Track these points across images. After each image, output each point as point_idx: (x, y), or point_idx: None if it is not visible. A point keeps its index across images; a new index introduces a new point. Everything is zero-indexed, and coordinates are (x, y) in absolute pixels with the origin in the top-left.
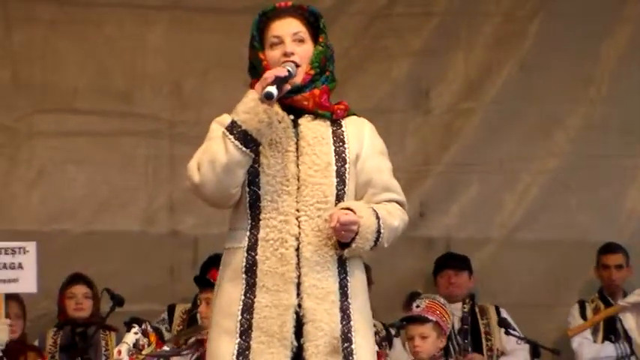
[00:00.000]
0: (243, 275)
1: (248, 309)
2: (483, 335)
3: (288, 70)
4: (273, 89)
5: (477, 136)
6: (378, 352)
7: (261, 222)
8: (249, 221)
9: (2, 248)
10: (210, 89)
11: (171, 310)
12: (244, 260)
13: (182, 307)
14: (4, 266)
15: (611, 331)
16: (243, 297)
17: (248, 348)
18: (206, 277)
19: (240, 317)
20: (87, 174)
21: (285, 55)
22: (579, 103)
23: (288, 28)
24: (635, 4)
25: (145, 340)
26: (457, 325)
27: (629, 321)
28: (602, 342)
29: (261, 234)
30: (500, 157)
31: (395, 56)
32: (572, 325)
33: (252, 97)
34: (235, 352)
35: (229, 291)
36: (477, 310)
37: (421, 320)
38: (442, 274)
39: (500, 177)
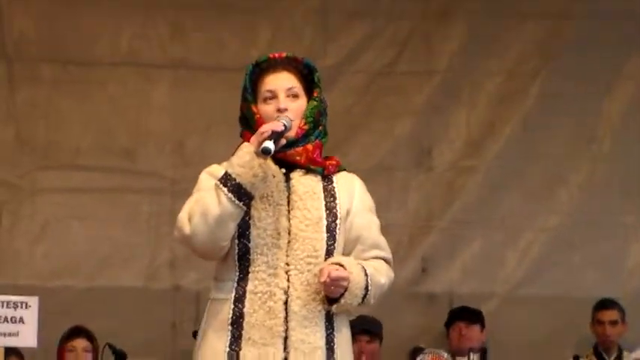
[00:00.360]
0: (229, 327)
1: None
2: None
3: (284, 125)
4: (270, 144)
5: (479, 194)
6: None
7: (249, 274)
8: (237, 273)
9: (4, 302)
10: (212, 146)
11: None
12: (231, 312)
13: None
14: (6, 320)
15: None
16: (227, 349)
17: None
18: None
19: None
20: (89, 230)
21: (279, 110)
22: (581, 160)
23: (282, 82)
24: (637, 61)
25: None
26: None
27: None
28: None
29: (250, 286)
30: (502, 214)
31: (397, 114)
32: None
33: (247, 150)
34: None
35: (213, 343)
36: None
37: None
38: (454, 327)
39: (502, 234)
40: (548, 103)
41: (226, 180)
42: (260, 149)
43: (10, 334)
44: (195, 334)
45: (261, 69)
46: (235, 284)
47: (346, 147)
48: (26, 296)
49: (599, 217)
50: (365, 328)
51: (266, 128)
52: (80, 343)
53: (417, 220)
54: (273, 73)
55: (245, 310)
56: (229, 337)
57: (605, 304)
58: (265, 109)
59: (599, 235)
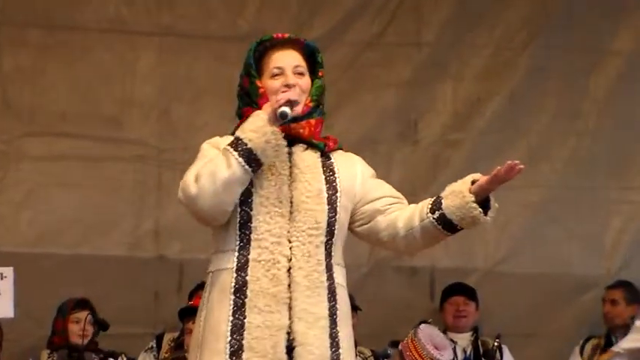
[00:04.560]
0: (232, 296)
1: (238, 330)
2: None
3: (296, 98)
4: (288, 110)
5: (464, 167)
6: None
7: (252, 242)
8: (238, 242)
9: None
10: (199, 116)
11: (159, 339)
12: (233, 281)
13: (170, 336)
14: None
15: None
16: (231, 317)
17: None
18: (191, 306)
19: (229, 338)
20: (74, 197)
21: (287, 86)
22: (566, 135)
23: (289, 59)
24: (624, 38)
25: None
26: (461, 356)
27: None
28: None
29: (253, 254)
30: None
31: (384, 86)
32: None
33: (261, 117)
34: None
35: (216, 312)
36: (479, 343)
37: None
38: (450, 301)
39: None
40: (535, 78)
41: (237, 144)
42: (278, 113)
43: None
44: (181, 313)
45: (265, 47)
46: (237, 253)
47: (332, 119)
48: (1, 267)
49: (583, 193)
50: None
51: (282, 97)
52: (83, 315)
53: (402, 194)
54: (280, 50)
55: (248, 277)
56: (232, 306)
57: (613, 284)
58: (272, 83)
59: (582, 210)
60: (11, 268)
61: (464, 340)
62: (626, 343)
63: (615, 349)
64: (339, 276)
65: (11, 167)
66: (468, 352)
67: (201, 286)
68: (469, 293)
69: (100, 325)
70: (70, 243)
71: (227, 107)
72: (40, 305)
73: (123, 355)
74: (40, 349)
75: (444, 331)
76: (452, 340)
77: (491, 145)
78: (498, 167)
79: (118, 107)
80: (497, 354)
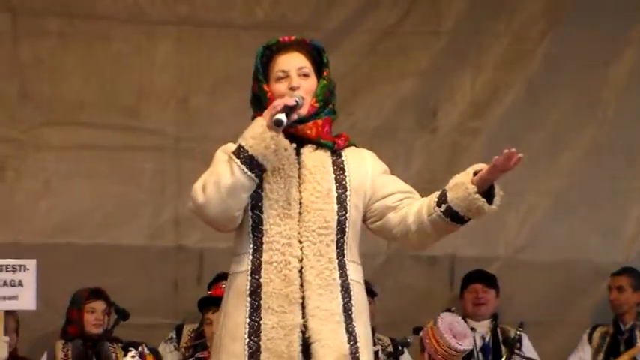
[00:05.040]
0: (248, 298)
1: (255, 331)
2: (504, 355)
3: (296, 100)
4: (282, 117)
5: (482, 156)
6: None
7: (264, 245)
8: (252, 245)
9: (3, 265)
10: (217, 105)
11: (179, 329)
12: (248, 283)
13: (190, 327)
14: (5, 283)
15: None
16: (248, 319)
17: None
18: (210, 296)
19: (247, 340)
20: (93, 187)
21: (292, 88)
22: (585, 125)
23: (294, 62)
24: None
25: None
26: (479, 343)
27: None
28: None
29: (265, 257)
30: (505, 178)
31: (403, 75)
32: (579, 347)
33: (259, 123)
34: None
35: (234, 315)
36: (498, 330)
37: None
38: (470, 289)
39: (504, 197)
40: (553, 67)
41: (239, 152)
42: (272, 121)
43: (9, 298)
44: (200, 303)
45: (271, 51)
46: (250, 256)
47: (350, 107)
48: (24, 259)
49: (602, 182)
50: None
51: (278, 102)
52: (100, 305)
53: (420, 182)
54: (284, 53)
55: (262, 280)
56: (248, 308)
57: (618, 270)
58: (278, 87)
59: (602, 199)
60: (34, 261)
61: (483, 327)
62: None
63: None
64: (354, 273)
65: (30, 157)
66: (487, 340)
67: (221, 277)
68: (488, 280)
69: (121, 314)
70: (88, 233)
71: (245, 96)
72: (60, 296)
73: (144, 345)
74: (56, 340)
75: (464, 319)
76: (471, 328)
77: (509, 134)
78: (496, 157)
79: (136, 97)
80: (517, 343)
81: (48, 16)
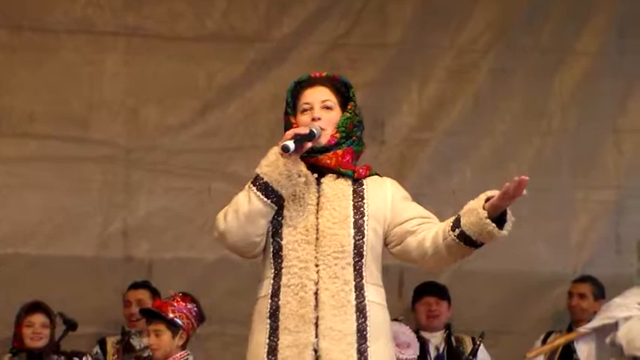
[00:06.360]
0: (268, 320)
1: (272, 351)
2: None
3: (311, 130)
4: (290, 143)
5: (430, 167)
6: None
7: (283, 270)
8: (273, 270)
9: None
10: (166, 116)
11: (102, 343)
12: (268, 306)
13: (112, 339)
14: None
15: None
16: (268, 340)
17: None
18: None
19: (265, 359)
20: (42, 198)
21: (313, 119)
22: (531, 136)
23: (317, 95)
24: (588, 38)
25: None
26: (433, 354)
27: (582, 352)
28: None
29: (283, 280)
30: (452, 188)
31: None
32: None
33: (273, 151)
34: None
35: (256, 336)
36: (452, 339)
37: None
38: (422, 302)
39: (452, 207)
40: (499, 79)
41: (255, 180)
42: (280, 147)
43: None
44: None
45: (301, 86)
46: (272, 281)
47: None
48: None
49: (548, 193)
50: None
51: (290, 132)
52: (38, 319)
53: None
54: (310, 87)
55: (280, 302)
56: (268, 330)
57: (580, 278)
58: (302, 119)
59: (548, 209)
60: None
61: (437, 338)
62: (592, 322)
63: (582, 329)
64: (372, 294)
65: None
66: (441, 350)
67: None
68: (440, 292)
69: (69, 324)
70: (38, 243)
71: (193, 107)
72: (6, 306)
73: (87, 355)
74: (3, 353)
75: (417, 330)
76: (425, 339)
77: (457, 146)
78: (507, 184)
79: (85, 108)
80: (470, 343)
81: None
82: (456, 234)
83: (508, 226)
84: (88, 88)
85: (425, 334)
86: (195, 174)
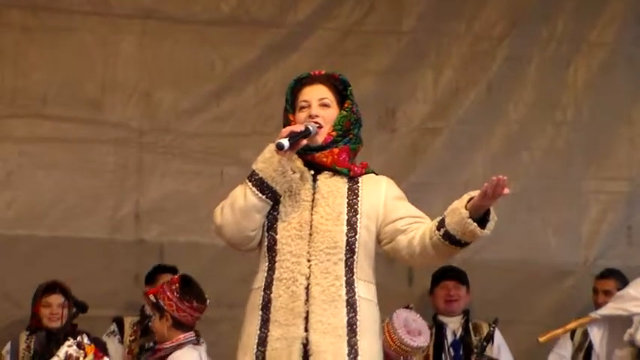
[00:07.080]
0: (260, 312)
1: (262, 342)
2: (475, 351)
3: (306, 127)
4: (284, 141)
5: (442, 156)
6: None
7: (276, 263)
8: (267, 264)
9: None
10: (180, 99)
11: (119, 322)
12: (261, 298)
13: (130, 319)
14: None
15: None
16: (258, 331)
17: None
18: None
19: (255, 350)
20: (55, 180)
21: (310, 117)
22: (545, 126)
23: (315, 93)
24: (604, 28)
25: (81, 352)
26: (450, 339)
27: (595, 336)
28: None
29: (276, 274)
30: (465, 178)
31: (363, 74)
32: (561, 343)
33: (269, 149)
34: None
35: (247, 327)
36: (470, 326)
37: None
38: (441, 286)
39: None
40: (514, 68)
41: (251, 176)
42: (275, 144)
43: None
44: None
45: (301, 84)
46: (265, 273)
47: None
48: None
49: (561, 183)
50: None
51: (286, 129)
52: (55, 299)
53: None
54: (309, 85)
55: (272, 295)
56: (259, 321)
57: (603, 273)
58: (300, 116)
59: (560, 200)
60: None
61: (454, 323)
62: (605, 310)
63: (593, 314)
64: (363, 290)
65: None
66: (458, 335)
67: (158, 269)
68: (460, 277)
69: (80, 307)
70: (50, 225)
71: (207, 91)
72: (19, 287)
73: (83, 335)
74: (19, 331)
75: (435, 315)
76: (442, 323)
77: (469, 135)
78: (486, 184)
79: (99, 90)
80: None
81: (11, 9)
82: (441, 233)
83: (490, 225)
84: (102, 70)
85: (443, 319)
86: (208, 158)
